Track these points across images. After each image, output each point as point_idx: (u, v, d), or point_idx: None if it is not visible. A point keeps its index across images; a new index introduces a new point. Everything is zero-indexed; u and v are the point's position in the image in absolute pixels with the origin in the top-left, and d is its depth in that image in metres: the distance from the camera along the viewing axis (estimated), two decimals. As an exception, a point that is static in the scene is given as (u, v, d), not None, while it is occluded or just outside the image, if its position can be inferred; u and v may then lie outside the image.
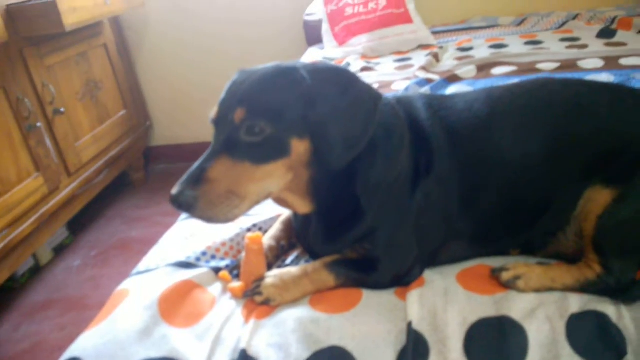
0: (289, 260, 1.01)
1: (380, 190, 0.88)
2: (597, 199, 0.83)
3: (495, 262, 0.91)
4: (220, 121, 0.82)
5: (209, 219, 0.78)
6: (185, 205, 0.76)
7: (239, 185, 0.78)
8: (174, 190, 0.76)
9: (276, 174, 0.81)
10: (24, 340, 1.90)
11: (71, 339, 0.83)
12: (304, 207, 0.89)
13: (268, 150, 0.79)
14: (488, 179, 0.90)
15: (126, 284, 0.94)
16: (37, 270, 2.31)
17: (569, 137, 0.88)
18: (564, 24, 2.20)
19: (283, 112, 0.79)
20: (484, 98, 0.94)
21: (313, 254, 0.98)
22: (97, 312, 0.88)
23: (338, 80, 0.83)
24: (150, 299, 0.87)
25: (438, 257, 0.93)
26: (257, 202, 0.82)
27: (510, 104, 0.92)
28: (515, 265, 0.87)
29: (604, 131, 0.87)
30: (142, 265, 0.99)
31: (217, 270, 0.97)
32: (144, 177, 3.04)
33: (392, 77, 1.87)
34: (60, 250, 2.44)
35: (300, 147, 0.80)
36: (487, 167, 0.90)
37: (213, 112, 0.84)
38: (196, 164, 0.79)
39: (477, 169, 0.90)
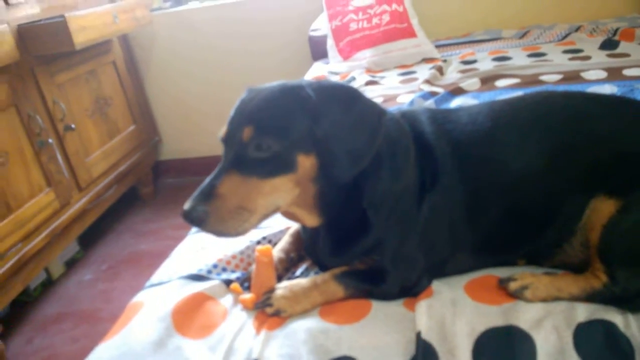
0: (298, 272, 1.03)
1: (387, 203, 0.90)
2: (602, 209, 0.85)
3: (502, 272, 0.92)
4: (229, 139, 0.85)
5: (220, 233, 0.81)
6: (197, 220, 0.79)
7: (248, 200, 0.80)
8: (186, 206, 0.79)
9: (283, 189, 0.83)
10: (37, 354, 1.92)
11: (84, 351, 0.85)
12: (312, 220, 0.92)
13: (275, 166, 0.81)
14: (492, 191, 0.92)
15: (140, 297, 0.96)
16: (49, 284, 2.34)
17: (571, 149, 0.89)
18: (566, 35, 2.22)
19: (289, 129, 0.82)
20: (487, 111, 0.96)
21: (322, 266, 0.99)
22: (109, 325, 0.91)
23: (342, 97, 0.86)
24: (164, 311, 0.89)
25: (445, 268, 0.94)
26: (266, 216, 0.84)
27: (512, 117, 0.94)
28: (523, 276, 0.88)
29: (605, 142, 0.88)
30: (155, 278, 1.01)
31: (228, 283, 0.99)
32: (153, 191, 3.07)
33: (397, 90, 1.90)
34: (71, 264, 2.47)
35: (306, 163, 0.83)
36: (491, 180, 0.92)
37: (222, 130, 0.87)
38: (207, 180, 0.82)
39: (482, 181, 0.92)
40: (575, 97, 0.96)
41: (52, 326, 2.06)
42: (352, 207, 0.90)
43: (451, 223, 0.92)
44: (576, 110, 0.93)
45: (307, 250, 1.04)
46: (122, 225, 2.81)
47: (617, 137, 0.88)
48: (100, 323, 2.04)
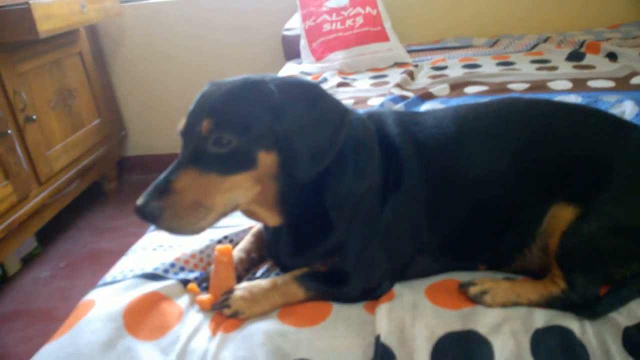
0: (259, 273, 1.00)
1: (350, 203, 0.89)
2: (561, 215, 0.85)
3: (463, 276, 0.92)
4: (187, 132, 0.82)
5: (175, 230, 0.78)
6: (150, 216, 0.75)
7: (205, 196, 0.78)
8: (139, 201, 0.76)
9: (243, 186, 0.81)
10: (-14, 354, 1.84)
11: (37, 351, 0.81)
12: (273, 219, 0.89)
13: (235, 162, 0.79)
14: (454, 195, 0.92)
15: (92, 295, 0.92)
16: (4, 281, 2.25)
17: (532, 155, 0.90)
18: (535, 46, 2.27)
19: (250, 124, 0.80)
20: (452, 115, 0.96)
21: (283, 267, 0.97)
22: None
23: (306, 94, 0.85)
24: (115, 310, 0.85)
25: (407, 272, 0.93)
26: (224, 214, 0.82)
27: (476, 122, 0.95)
28: (483, 280, 0.88)
29: (566, 150, 0.89)
30: (108, 276, 0.98)
31: (185, 282, 0.96)
32: (116, 187, 2.99)
33: (368, 93, 1.90)
34: (28, 261, 2.38)
35: (267, 160, 0.81)
36: (453, 183, 0.92)
37: (181, 123, 0.84)
38: (162, 175, 0.78)
39: (444, 184, 0.92)
40: (539, 105, 0.97)
41: (4, 324, 1.98)
42: (314, 207, 0.88)
43: (413, 226, 0.91)
44: (539, 117, 0.94)
45: (268, 250, 1.01)
46: (83, 221, 2.72)
47: (578, 145, 0.89)
48: (55, 322, 1.96)
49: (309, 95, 0.85)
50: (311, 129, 0.82)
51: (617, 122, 0.94)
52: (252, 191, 0.83)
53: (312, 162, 0.81)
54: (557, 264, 0.85)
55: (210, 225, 0.80)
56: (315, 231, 0.90)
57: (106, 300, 0.89)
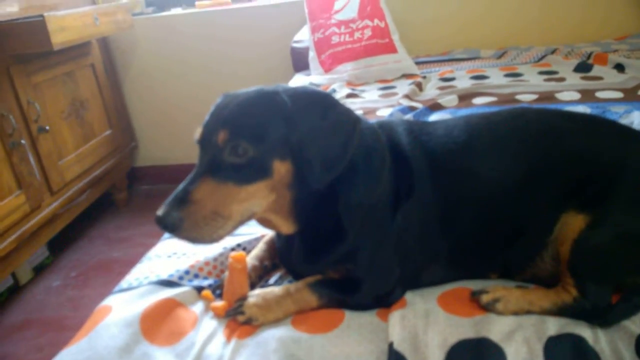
0: (272, 280, 1.01)
1: (362, 211, 0.90)
2: (572, 223, 0.86)
3: (475, 285, 0.93)
4: (204, 143, 0.84)
5: (194, 239, 0.79)
6: (171, 226, 0.77)
7: (223, 205, 0.79)
8: (160, 212, 0.77)
9: (259, 195, 0.82)
10: (-2, 362, 1.85)
11: (48, 360, 0.82)
12: (287, 227, 0.91)
13: (251, 172, 0.81)
14: (466, 203, 0.93)
15: (108, 301, 0.93)
16: (16, 290, 2.26)
17: (543, 163, 0.91)
18: (542, 57, 2.28)
19: (265, 134, 0.81)
20: (463, 125, 0.97)
21: (296, 275, 0.98)
22: (76, 334, 0.87)
23: (318, 103, 0.87)
24: (132, 316, 0.87)
25: (419, 280, 0.94)
26: (241, 223, 0.83)
27: (487, 131, 0.96)
28: (495, 288, 0.89)
29: (576, 158, 0.90)
30: (124, 283, 0.99)
31: (199, 289, 0.97)
32: (126, 197, 3.02)
33: (377, 104, 1.92)
34: (40, 270, 2.40)
35: (282, 169, 0.83)
36: (464, 192, 0.93)
37: (197, 133, 0.86)
38: (181, 185, 0.80)
39: (455, 193, 0.93)
40: (550, 114, 0.98)
41: (16, 333, 1.99)
42: (327, 214, 0.90)
43: (425, 234, 0.92)
44: (550, 126, 0.95)
45: (281, 258, 1.03)
46: (94, 231, 2.75)
47: (588, 153, 0.90)
48: (66, 331, 1.98)
49: (321, 104, 0.87)
50: (324, 137, 0.84)
51: (627, 131, 0.95)
52: (268, 200, 0.84)
53: (325, 169, 0.83)
54: (569, 272, 0.86)
55: (227, 234, 0.81)
56: (328, 238, 0.91)
57: (122, 306, 0.90)
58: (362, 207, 0.90)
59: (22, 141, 2.11)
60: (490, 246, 0.94)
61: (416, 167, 0.92)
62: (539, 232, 0.90)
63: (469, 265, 0.96)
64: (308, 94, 0.89)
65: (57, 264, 2.46)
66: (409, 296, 0.91)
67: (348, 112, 0.88)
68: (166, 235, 1.18)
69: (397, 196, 0.91)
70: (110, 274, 2.34)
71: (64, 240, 2.60)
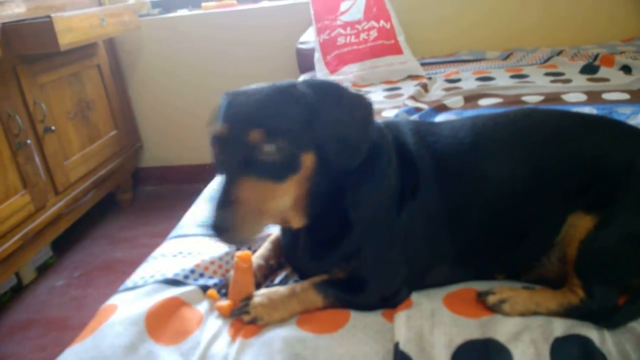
0: (277, 280, 1.01)
1: (368, 208, 0.90)
2: (579, 224, 0.86)
3: (481, 285, 0.93)
4: (231, 143, 0.81)
5: (242, 239, 0.79)
6: (226, 228, 0.76)
7: (264, 203, 0.80)
8: (214, 218, 0.75)
9: (291, 190, 0.83)
10: (1, 361, 1.85)
11: (51, 359, 0.82)
12: (299, 220, 0.91)
13: (284, 167, 0.81)
14: (472, 204, 0.92)
15: (114, 300, 0.93)
16: (19, 290, 2.27)
17: (550, 164, 0.90)
18: (548, 59, 2.28)
19: (294, 128, 0.82)
20: (469, 125, 0.97)
21: (301, 274, 0.98)
22: (79, 333, 0.87)
23: (333, 91, 0.87)
24: (137, 315, 0.86)
25: (424, 280, 0.94)
26: (277, 221, 0.86)
27: (493, 131, 0.96)
28: (501, 289, 0.88)
29: (583, 159, 0.89)
30: (130, 282, 0.99)
31: (205, 289, 0.97)
32: (131, 198, 3.02)
33: (382, 105, 1.91)
34: (43, 270, 2.40)
35: (307, 161, 0.83)
36: (470, 192, 0.92)
37: (217, 129, 0.83)
38: (221, 189, 0.78)
39: (461, 193, 0.92)
40: (557, 115, 0.98)
41: (19, 333, 2.00)
42: (335, 209, 0.90)
43: (430, 234, 0.92)
44: (557, 127, 0.94)
45: (287, 256, 1.02)
46: (98, 231, 2.75)
47: (595, 154, 0.89)
48: (70, 331, 1.98)
49: (336, 91, 0.88)
50: (346, 122, 0.85)
51: (635, 132, 0.94)
52: (296, 194, 0.85)
53: (350, 154, 0.84)
54: (576, 273, 0.85)
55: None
56: (334, 234, 0.91)
57: (128, 305, 0.90)
58: (368, 204, 0.90)
59: (28, 141, 2.12)
60: (497, 246, 0.93)
61: (422, 167, 0.92)
62: (546, 233, 0.90)
63: (476, 266, 0.95)
64: (322, 83, 0.89)
65: (60, 263, 2.47)
66: (415, 297, 0.91)
67: (359, 96, 0.90)
68: (171, 234, 1.18)
69: (403, 195, 0.91)
70: (114, 274, 2.34)
71: (67, 240, 2.60)
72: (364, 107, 0.88)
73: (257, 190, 0.79)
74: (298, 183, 0.83)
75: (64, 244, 2.58)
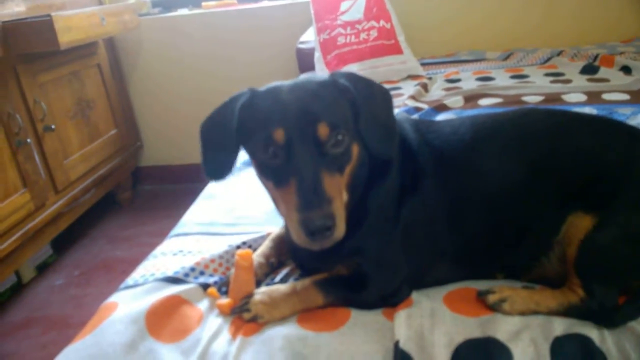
0: (277, 278, 1.01)
1: (380, 203, 0.90)
2: (579, 224, 0.86)
3: (481, 285, 0.93)
4: (297, 140, 0.78)
5: (337, 237, 0.77)
6: (330, 228, 0.75)
7: (342, 197, 0.81)
8: (314, 221, 0.73)
9: (345, 182, 0.84)
10: (2, 359, 1.85)
11: (51, 358, 0.82)
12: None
13: (344, 159, 0.82)
14: (471, 201, 0.93)
15: (115, 297, 0.93)
16: (19, 288, 2.27)
17: (549, 163, 0.91)
18: (548, 59, 2.28)
19: (348, 120, 0.83)
20: (469, 124, 0.97)
21: (304, 270, 0.98)
22: (79, 332, 0.87)
23: (365, 83, 0.89)
24: (138, 312, 0.86)
25: (425, 279, 0.94)
26: None
27: (493, 130, 0.96)
28: (501, 289, 0.89)
29: (583, 159, 0.90)
30: (130, 280, 0.99)
31: (205, 287, 0.97)
32: (130, 197, 3.02)
33: (382, 104, 1.91)
34: (43, 269, 2.40)
35: (355, 151, 0.85)
36: (470, 189, 0.93)
37: (277, 133, 0.78)
38: (307, 187, 0.75)
39: (461, 190, 0.93)
40: (557, 114, 0.98)
41: (19, 331, 2.00)
42: (353, 202, 0.89)
43: (431, 231, 0.92)
44: (557, 126, 0.94)
45: (291, 252, 1.02)
46: (97, 230, 2.75)
47: (596, 154, 0.90)
48: (69, 329, 1.98)
49: (366, 83, 0.89)
50: (382, 111, 0.88)
51: (635, 132, 0.94)
52: (347, 186, 0.85)
53: (390, 140, 0.87)
54: (576, 273, 0.86)
55: None
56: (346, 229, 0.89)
57: (128, 303, 0.90)
58: (381, 199, 0.91)
59: (28, 140, 2.12)
60: (497, 245, 0.93)
61: (422, 163, 0.93)
62: (546, 232, 0.90)
63: (476, 264, 0.95)
64: (352, 75, 0.88)
65: (60, 262, 2.46)
66: (415, 296, 0.91)
67: (380, 85, 0.92)
68: (172, 233, 1.18)
69: (403, 190, 0.91)
70: (113, 273, 2.34)
71: (67, 239, 2.60)
72: (388, 96, 0.91)
73: (336, 184, 0.79)
74: (349, 174, 0.85)
75: (63, 243, 2.58)
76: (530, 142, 0.92)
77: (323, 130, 0.78)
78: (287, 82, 0.86)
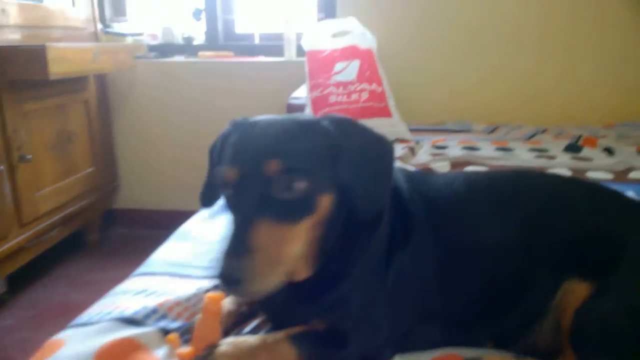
0: (247, 329, 0.93)
1: (367, 256, 0.84)
2: (575, 291, 0.81)
3: (468, 352, 0.86)
4: (244, 179, 0.73)
5: (257, 292, 0.69)
6: (237, 280, 0.67)
7: (280, 249, 0.71)
8: (223, 267, 0.67)
9: (305, 234, 0.75)
10: None
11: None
12: (306, 271, 0.81)
13: (300, 207, 0.73)
14: (463, 260, 0.88)
15: (63, 334, 0.84)
16: (-36, 324, 2.09)
17: (544, 226, 0.87)
18: (533, 135, 2.32)
19: (316, 165, 0.75)
20: (463, 179, 0.95)
21: (276, 324, 0.90)
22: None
23: (357, 129, 0.82)
24: (85, 354, 0.77)
25: (410, 341, 0.87)
26: (289, 271, 0.75)
27: (489, 187, 0.93)
28: (489, 358, 0.82)
29: (579, 223, 0.87)
30: (84, 316, 0.90)
31: (165, 332, 0.88)
32: (98, 239, 2.89)
33: (369, 163, 1.90)
34: (-6, 305, 2.23)
35: (326, 202, 0.76)
36: (463, 247, 0.88)
37: (229, 161, 0.75)
38: (234, 231, 0.69)
39: (453, 247, 0.88)
40: (553, 177, 0.96)
41: (-44, 372, 1.82)
42: (337, 255, 0.82)
43: (419, 289, 0.86)
44: (552, 188, 0.92)
45: (262, 302, 0.93)
46: (58, 270, 2.59)
47: (591, 219, 0.87)
48: (10, 375, 1.81)
49: (360, 129, 0.82)
50: (371, 164, 0.79)
51: (629, 200, 0.93)
52: (307, 240, 0.76)
53: (377, 198, 0.79)
54: (570, 344, 0.80)
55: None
56: (326, 281, 0.82)
57: (76, 342, 0.81)
58: (367, 252, 0.84)
59: (1, 167, 2.03)
60: (488, 309, 0.88)
61: (414, 215, 0.88)
62: (540, 298, 0.85)
63: (464, 329, 0.89)
64: (344, 120, 0.82)
65: (13, 300, 2.29)
66: (398, 359, 0.83)
67: (381, 135, 0.84)
68: (137, 271, 1.09)
69: (392, 243, 0.85)
70: (68, 318, 2.14)
71: (25, 276, 2.44)
72: (387, 148, 0.83)
73: (275, 235, 0.70)
74: (311, 227, 0.75)
75: (20, 280, 2.41)
76: (526, 201, 0.90)
77: (271, 168, 0.71)
78: (271, 117, 0.81)
